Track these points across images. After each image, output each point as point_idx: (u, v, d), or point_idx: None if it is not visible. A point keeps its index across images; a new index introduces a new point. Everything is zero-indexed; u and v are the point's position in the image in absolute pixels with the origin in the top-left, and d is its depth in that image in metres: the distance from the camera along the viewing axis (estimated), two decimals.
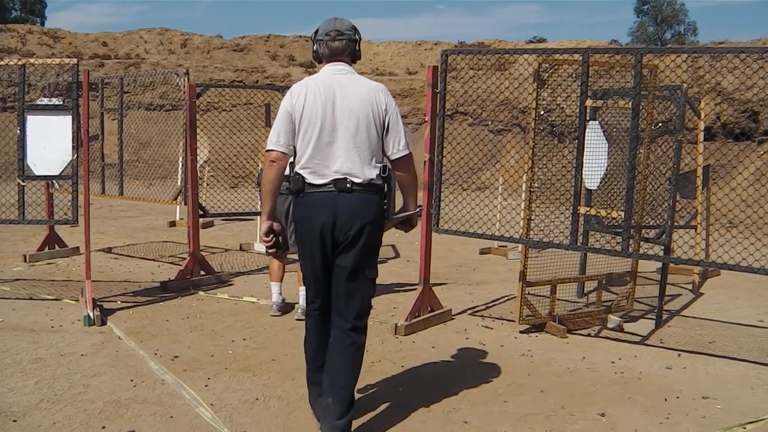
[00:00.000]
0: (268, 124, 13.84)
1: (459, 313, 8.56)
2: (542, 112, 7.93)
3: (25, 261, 11.19)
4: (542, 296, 8.17)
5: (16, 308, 8.35)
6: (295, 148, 4.90)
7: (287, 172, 4.90)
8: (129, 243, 13.21)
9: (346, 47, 5.05)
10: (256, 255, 12.10)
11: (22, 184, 8.38)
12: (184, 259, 10.27)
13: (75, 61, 8.46)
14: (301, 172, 4.86)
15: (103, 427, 5.13)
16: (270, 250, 5.08)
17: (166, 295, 9.06)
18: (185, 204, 9.90)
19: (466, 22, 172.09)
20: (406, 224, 5.27)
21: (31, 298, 8.82)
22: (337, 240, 4.83)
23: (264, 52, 35.48)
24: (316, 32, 5.09)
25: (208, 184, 15.83)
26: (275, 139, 4.85)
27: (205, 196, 11.14)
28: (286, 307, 8.50)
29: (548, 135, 8.02)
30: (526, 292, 7.88)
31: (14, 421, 5.23)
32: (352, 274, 4.89)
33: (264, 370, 6.37)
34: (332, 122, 4.82)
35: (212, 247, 12.51)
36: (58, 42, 35.66)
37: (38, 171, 8.35)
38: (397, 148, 4.97)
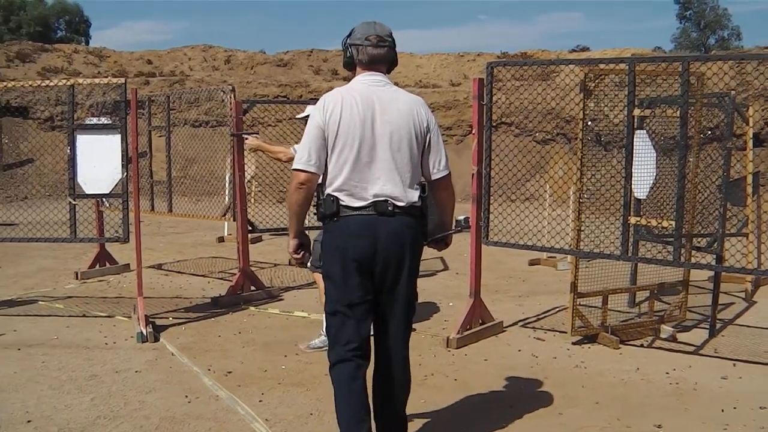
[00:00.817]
0: None
1: (510, 325, 8.52)
2: (589, 123, 7.89)
3: (77, 278, 11.33)
4: (593, 307, 8.11)
5: (69, 325, 8.46)
6: (326, 167, 4.43)
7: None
8: (178, 259, 13.36)
9: (387, 55, 4.61)
10: (305, 270, 12.12)
11: (73, 202, 8.48)
12: (234, 274, 10.33)
13: (123, 80, 8.56)
14: (335, 194, 4.38)
15: None
16: (301, 266, 4.86)
17: (217, 311, 9.13)
18: (234, 220, 9.95)
19: (507, 32, 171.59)
20: (441, 243, 4.86)
21: (84, 315, 8.94)
22: (376, 268, 4.39)
23: (307, 66, 35.69)
24: (350, 36, 4.63)
25: (255, 200, 15.93)
26: (305, 158, 4.36)
27: (253, 212, 11.18)
28: None
29: (594, 144, 7.98)
30: (578, 303, 7.83)
31: None
32: (407, 303, 4.52)
33: (317, 384, 6.37)
34: (372, 140, 4.37)
35: (261, 262, 12.57)
36: (104, 61, 36.14)
37: (89, 189, 8.45)
38: (438, 167, 4.59)
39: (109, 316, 8.86)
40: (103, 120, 9.02)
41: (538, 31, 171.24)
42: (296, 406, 5.87)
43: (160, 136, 12.50)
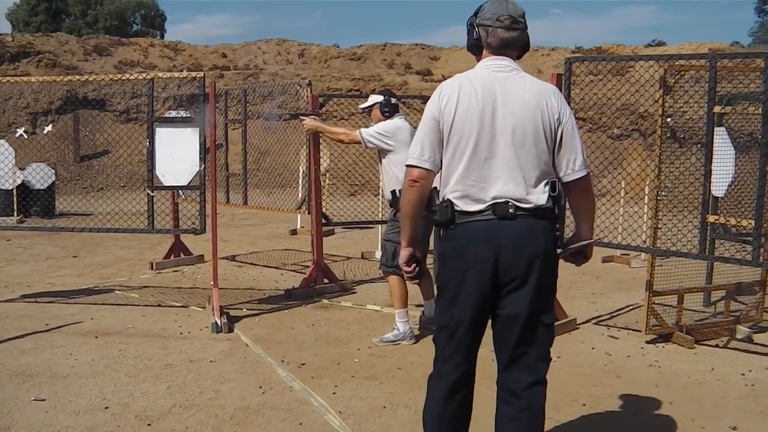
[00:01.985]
0: None
1: (583, 323, 8.45)
2: (668, 119, 7.79)
3: (152, 268, 11.51)
4: (668, 306, 8.00)
5: (145, 315, 8.62)
6: (441, 164, 3.94)
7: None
8: (252, 251, 13.49)
9: (519, 39, 4.03)
10: (377, 263, 12.14)
11: (151, 194, 8.61)
12: (307, 267, 10.41)
13: (202, 74, 8.68)
14: (450, 197, 3.89)
15: None
16: (413, 281, 4.28)
17: (291, 303, 9.21)
18: (308, 213, 10.01)
19: (581, 26, 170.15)
20: (580, 256, 4.25)
21: (159, 305, 9.09)
22: (500, 280, 3.82)
23: (381, 60, 35.74)
24: (477, 15, 4.05)
25: (328, 193, 16.02)
26: (418, 152, 3.91)
27: (326, 205, 11.27)
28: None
29: (670, 140, 7.84)
30: (653, 301, 7.74)
31: (148, 425, 5.37)
32: (528, 323, 3.84)
33: (390, 378, 6.41)
34: (491, 133, 3.83)
35: (334, 255, 12.62)
36: (179, 54, 36.60)
37: (167, 182, 8.57)
38: (572, 167, 3.95)
39: (184, 306, 9.00)
40: (182, 113, 9.12)
41: (611, 25, 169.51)
42: (369, 399, 5.90)
43: (233, 129, 12.63)
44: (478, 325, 3.94)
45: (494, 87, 3.88)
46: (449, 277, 3.94)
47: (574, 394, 6.07)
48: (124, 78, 9.44)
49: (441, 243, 4.06)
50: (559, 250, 4.08)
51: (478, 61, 4.10)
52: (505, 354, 3.95)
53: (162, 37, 57.41)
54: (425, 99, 13.34)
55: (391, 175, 7.47)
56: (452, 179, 3.89)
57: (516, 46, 4.04)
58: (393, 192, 7.39)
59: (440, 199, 3.95)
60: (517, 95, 3.88)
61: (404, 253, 4.13)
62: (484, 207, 3.83)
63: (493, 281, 3.82)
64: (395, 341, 7.43)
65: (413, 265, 4.13)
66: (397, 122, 7.73)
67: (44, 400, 5.84)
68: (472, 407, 4.13)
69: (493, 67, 3.97)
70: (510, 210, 3.79)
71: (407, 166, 3.97)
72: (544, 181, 3.89)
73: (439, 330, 4.07)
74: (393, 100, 7.84)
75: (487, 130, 3.83)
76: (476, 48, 4.09)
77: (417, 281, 4.31)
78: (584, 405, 5.85)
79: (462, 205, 3.86)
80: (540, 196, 3.85)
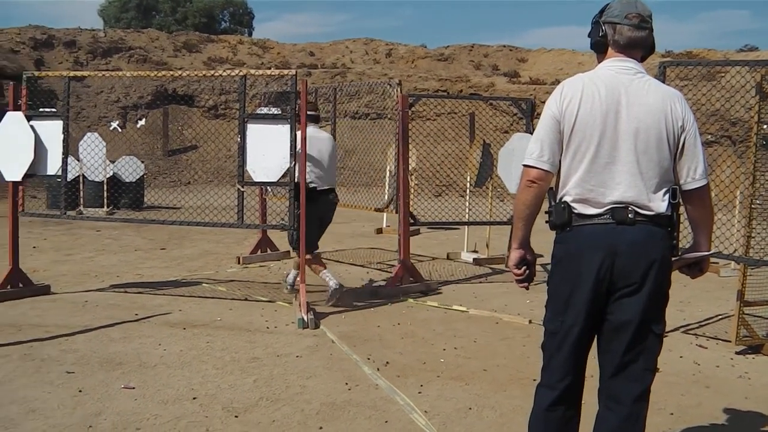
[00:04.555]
0: (473, 135, 13.92)
1: (671, 331, 8.31)
2: (765, 126, 7.63)
3: (239, 263, 11.67)
4: (759, 317, 7.84)
5: (232, 308, 8.74)
6: (559, 165, 3.85)
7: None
8: (338, 248, 13.57)
9: (646, 39, 3.91)
10: (463, 264, 12.16)
11: (242, 189, 8.70)
12: (393, 266, 10.45)
13: (293, 71, 8.75)
14: (567, 199, 3.81)
15: (321, 428, 5.27)
16: (521, 284, 4.04)
17: (376, 301, 9.25)
18: (396, 212, 10.03)
19: (671, 30, 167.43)
20: (695, 268, 4.05)
21: (246, 299, 9.22)
22: (615, 285, 3.72)
23: (468, 61, 35.70)
24: (604, 12, 3.96)
25: (414, 193, 16.03)
26: (537, 153, 3.81)
27: (412, 205, 11.26)
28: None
29: (764, 149, 7.66)
30: (744, 311, 7.59)
31: (236, 416, 5.45)
32: (638, 332, 3.74)
33: (476, 379, 6.39)
34: (614, 137, 3.74)
35: (419, 255, 12.62)
36: (267, 52, 37.01)
37: (257, 177, 8.64)
38: (693, 175, 3.82)
39: (270, 301, 9.10)
40: (274, 110, 9.21)
41: (701, 30, 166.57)
42: (455, 400, 5.89)
43: (321, 127, 12.74)
44: (589, 332, 3.86)
45: (618, 90, 3.79)
46: (560, 281, 3.88)
47: (661, 403, 5.98)
48: (216, 74, 9.58)
49: (555, 246, 3.94)
50: (674, 259, 3.91)
51: (599, 60, 4.01)
52: (611, 361, 3.86)
53: (250, 34, 58.00)
54: (512, 101, 13.35)
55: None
56: (570, 182, 3.81)
57: (642, 47, 3.93)
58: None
59: (556, 201, 3.87)
60: (642, 99, 3.78)
61: (515, 255, 3.98)
62: (602, 211, 3.75)
63: (607, 287, 3.74)
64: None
65: (523, 268, 3.98)
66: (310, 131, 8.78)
67: (133, 388, 5.96)
68: (580, 417, 4.03)
69: (617, 68, 3.88)
70: (629, 215, 3.71)
71: (524, 165, 3.86)
72: (665, 189, 3.80)
73: (548, 336, 3.97)
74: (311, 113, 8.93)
75: (609, 134, 3.75)
76: (601, 46, 3.98)
77: (526, 285, 4.06)
78: (672, 414, 5.76)
79: (579, 208, 3.79)
80: (660, 204, 3.76)
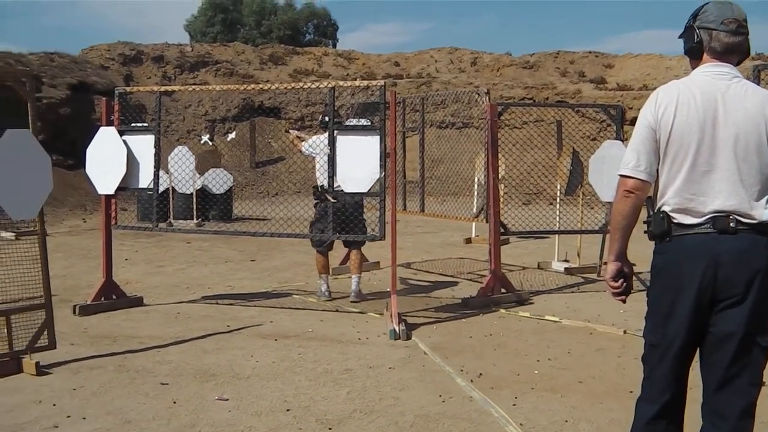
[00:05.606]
0: (560, 143, 13.78)
1: None
2: None
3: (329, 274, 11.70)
4: None
5: (323, 319, 8.78)
6: (657, 174, 3.78)
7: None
8: (427, 258, 13.59)
9: (742, 44, 3.81)
10: (554, 274, 12.04)
11: (332, 201, 8.74)
12: (483, 276, 10.39)
13: (383, 82, 8.76)
14: (665, 209, 3.74)
15: None
16: (618, 298, 3.98)
17: (468, 312, 9.18)
18: (486, 221, 9.97)
19: (758, 31, 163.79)
20: None
21: (336, 310, 9.26)
22: (717, 297, 3.62)
23: (554, 68, 35.47)
24: (697, 17, 3.85)
25: (503, 202, 15.94)
26: (633, 162, 3.74)
27: (502, 213, 11.18)
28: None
29: None
30: None
31: (329, 429, 5.45)
32: (742, 344, 3.62)
33: (571, 391, 6.29)
34: (711, 145, 3.65)
35: (510, 265, 12.52)
36: (352, 63, 37.24)
37: (347, 188, 8.67)
38: None
39: (361, 312, 9.13)
40: (363, 121, 9.25)
41: None
42: (550, 413, 5.80)
43: (408, 137, 12.75)
44: (690, 344, 3.76)
45: (715, 96, 3.69)
46: (661, 292, 3.78)
47: (765, 416, 5.84)
48: (303, 87, 9.63)
49: (655, 256, 3.85)
50: None
51: (693, 66, 3.91)
52: (715, 375, 3.74)
53: (334, 46, 58.47)
54: (601, 107, 13.18)
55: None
56: (669, 191, 3.74)
57: (737, 53, 3.82)
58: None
59: (655, 210, 3.80)
60: (739, 104, 3.68)
61: (612, 267, 3.92)
62: (702, 220, 3.67)
63: (709, 298, 3.64)
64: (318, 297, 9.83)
65: (620, 281, 3.93)
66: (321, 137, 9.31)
67: (227, 399, 6.01)
68: None
69: (713, 74, 3.77)
70: (731, 224, 3.62)
71: (621, 175, 3.81)
72: (767, 196, 3.68)
73: (649, 349, 3.87)
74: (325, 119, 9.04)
75: (707, 142, 3.66)
76: (696, 52, 3.87)
77: (623, 298, 3.99)
78: None
79: (679, 218, 3.72)
80: (763, 212, 3.65)
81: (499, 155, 10.29)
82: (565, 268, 12.09)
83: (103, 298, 9.25)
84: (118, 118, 9.45)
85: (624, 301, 4.01)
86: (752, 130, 3.65)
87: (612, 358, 7.28)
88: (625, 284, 3.94)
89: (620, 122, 11.00)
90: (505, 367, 6.98)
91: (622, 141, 10.00)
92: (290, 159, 27.11)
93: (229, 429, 5.42)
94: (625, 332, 8.12)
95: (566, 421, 5.64)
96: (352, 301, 9.63)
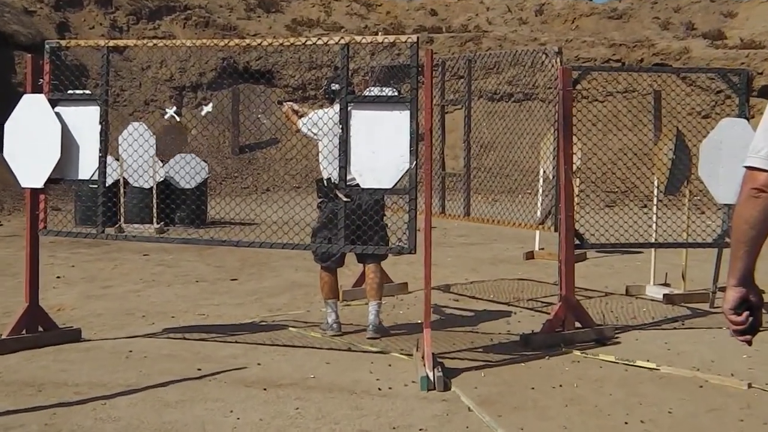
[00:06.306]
0: (659, 122, 13.72)
1: None
2: None
3: (338, 299, 11.68)
4: None
5: (330, 361, 8.78)
6: None
7: None
8: (472, 279, 13.63)
9: None
10: (649, 302, 12.00)
11: (345, 200, 8.66)
12: (550, 304, 10.37)
13: (414, 38, 8.67)
14: None
15: None
16: (741, 337, 3.74)
17: (529, 354, 9.16)
18: (556, 230, 9.91)
19: None
20: None
21: (349, 349, 9.26)
22: None
23: (651, 19, 35.35)
24: None
25: (579, 203, 15.90)
26: (765, 150, 3.57)
27: (577, 219, 11.15)
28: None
29: None
30: None
31: None
32: None
33: None
34: None
35: (587, 290, 12.54)
36: (372, 11, 37.24)
37: (365, 183, 8.57)
38: None
39: (382, 352, 9.12)
40: (387, 90, 9.17)
41: None
42: None
43: (449, 113, 12.70)
44: None
45: None
46: None
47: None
48: (305, 43, 9.59)
49: None
50: None
51: None
52: None
53: None
54: (717, 72, 13.12)
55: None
56: None
57: None
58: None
59: None
60: None
61: (732, 295, 3.71)
62: None
63: None
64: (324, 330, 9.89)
65: (745, 313, 3.71)
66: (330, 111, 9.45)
67: None
68: None
69: None
70: None
71: (748, 167, 3.64)
72: None
73: None
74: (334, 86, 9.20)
75: None
76: None
77: (749, 338, 3.74)
78: None
79: None
80: None
81: (574, 139, 10.26)
82: (665, 295, 12.04)
83: (25, 331, 9.21)
84: (49, 83, 9.30)
85: (750, 343, 3.92)
86: None
87: (731, 421, 7.23)
88: (751, 318, 3.70)
89: (745, 93, 10.91)
90: (581, 431, 6.96)
91: (748, 120, 9.95)
92: (288, 142, 27.12)
93: None
94: (750, 386, 8.06)
95: None
96: (369, 337, 9.60)
